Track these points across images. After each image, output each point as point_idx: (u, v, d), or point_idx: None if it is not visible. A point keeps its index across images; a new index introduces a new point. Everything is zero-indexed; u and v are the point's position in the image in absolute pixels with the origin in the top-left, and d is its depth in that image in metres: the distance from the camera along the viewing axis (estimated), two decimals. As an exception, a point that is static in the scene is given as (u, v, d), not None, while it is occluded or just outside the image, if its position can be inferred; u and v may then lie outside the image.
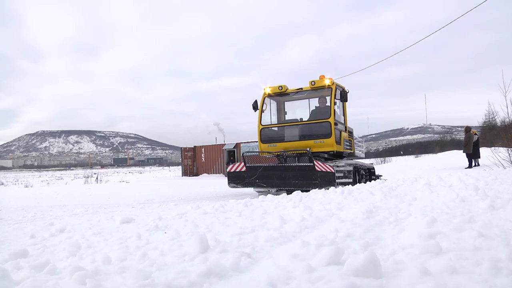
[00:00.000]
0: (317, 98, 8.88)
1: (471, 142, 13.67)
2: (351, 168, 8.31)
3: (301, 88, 9.03)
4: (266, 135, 8.93)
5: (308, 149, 8.00)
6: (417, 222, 2.06)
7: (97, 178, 20.90)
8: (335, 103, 8.56)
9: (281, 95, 9.14)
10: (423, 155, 40.42)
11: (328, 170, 7.32)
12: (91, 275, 1.22)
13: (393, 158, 38.97)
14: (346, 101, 9.01)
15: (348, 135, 9.64)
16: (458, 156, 15.90)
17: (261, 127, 8.95)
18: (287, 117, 9.74)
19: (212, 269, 1.25)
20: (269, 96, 9.17)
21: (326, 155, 8.73)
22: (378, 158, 38.70)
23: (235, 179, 8.25)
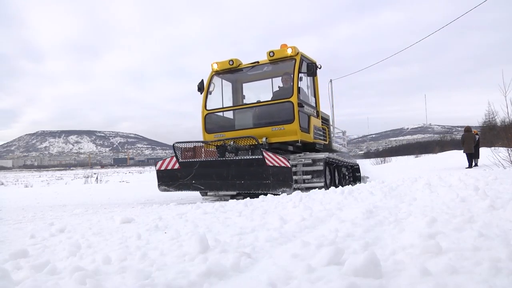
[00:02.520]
0: (281, 77, 7.15)
1: (472, 142, 13.67)
2: (321, 165, 6.37)
3: (258, 62, 7.20)
4: (212, 122, 7.07)
5: (253, 137, 6.02)
6: (417, 222, 2.06)
7: (97, 178, 20.92)
8: (301, 79, 6.77)
9: (233, 72, 7.31)
10: (423, 155, 40.43)
11: (283, 165, 5.52)
12: (91, 275, 1.22)
13: (393, 158, 38.98)
14: (315, 75, 7.15)
15: (322, 122, 7.89)
16: (458, 156, 15.91)
17: (206, 112, 7.09)
18: (246, 101, 7.76)
19: (212, 269, 1.25)
20: (218, 74, 7.30)
21: (291, 148, 7.02)
22: (378, 158, 38.70)
23: (166, 180, 6.39)
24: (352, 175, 9.10)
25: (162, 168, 6.46)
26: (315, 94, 7.66)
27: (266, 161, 5.65)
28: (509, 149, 10.55)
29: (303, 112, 6.74)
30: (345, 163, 8.32)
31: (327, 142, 7.98)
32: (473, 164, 13.88)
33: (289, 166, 5.58)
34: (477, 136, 14.29)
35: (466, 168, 13.17)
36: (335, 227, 2.11)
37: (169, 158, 6.48)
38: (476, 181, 4.64)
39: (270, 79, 7.83)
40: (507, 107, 9.57)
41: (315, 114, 7.44)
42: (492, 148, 11.74)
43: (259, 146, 5.93)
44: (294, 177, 6.20)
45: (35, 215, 4.70)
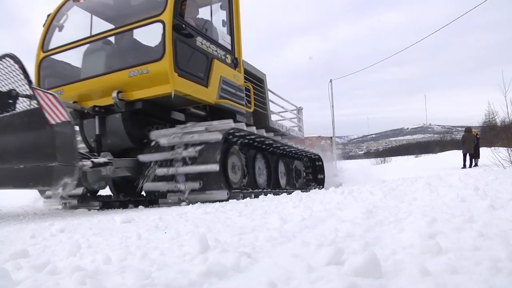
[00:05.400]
0: None
1: (472, 143, 13.70)
2: (214, 148, 3.88)
3: None
4: (51, 71, 4.81)
5: (115, 95, 4.05)
6: (417, 222, 2.06)
7: (97, 178, 20.86)
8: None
9: None
10: (423, 155, 40.44)
11: (63, 119, 2.96)
12: (91, 275, 1.22)
13: (393, 158, 38.98)
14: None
15: (250, 81, 5.63)
16: (458, 156, 15.91)
17: (42, 55, 4.78)
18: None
19: (212, 269, 1.25)
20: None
21: (195, 112, 4.79)
22: (378, 158, 38.71)
23: None
24: (312, 174, 6.81)
25: None
26: (233, 33, 5.22)
27: (46, 115, 2.92)
28: (509, 149, 10.56)
29: (191, 46, 4.32)
30: (294, 152, 5.75)
31: (251, 109, 5.54)
32: (473, 164, 13.90)
33: (68, 119, 3.01)
34: (477, 136, 14.31)
35: (461, 168, 13.19)
36: (335, 227, 2.12)
37: None
38: (476, 181, 4.64)
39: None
40: (507, 107, 9.59)
41: (228, 60, 5.03)
42: (492, 148, 11.76)
43: (116, 103, 4.02)
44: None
45: (36, 215, 4.70)
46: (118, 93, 4.23)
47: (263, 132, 5.09)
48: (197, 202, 4.05)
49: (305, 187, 6.56)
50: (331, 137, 16.79)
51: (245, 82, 5.57)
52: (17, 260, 1.65)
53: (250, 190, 4.87)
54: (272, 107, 7.26)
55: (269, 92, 6.96)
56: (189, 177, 4.10)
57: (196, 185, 4.08)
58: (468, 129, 14.18)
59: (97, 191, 5.40)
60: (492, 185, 4.14)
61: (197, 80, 4.50)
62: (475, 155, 13.73)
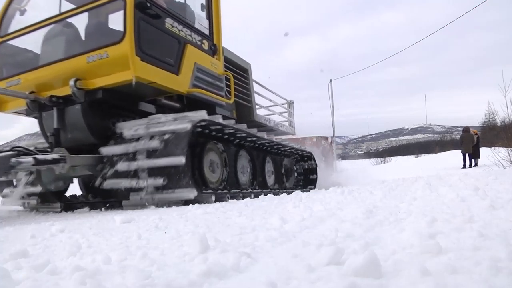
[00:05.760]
0: None
1: (470, 143, 13.71)
2: (179, 143, 3.49)
3: None
4: (10, 59, 4.42)
5: (72, 83, 3.67)
6: (417, 222, 2.06)
7: (97, 178, 20.84)
8: None
9: None
10: (423, 155, 40.45)
11: None
12: (91, 275, 1.22)
13: (393, 158, 38.98)
14: None
15: (231, 70, 5.24)
16: (458, 156, 15.91)
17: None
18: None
19: (212, 269, 1.25)
20: None
21: (166, 102, 4.41)
22: (378, 158, 38.72)
23: None
24: (303, 174, 6.30)
25: None
26: (212, 17, 4.76)
27: None
28: (509, 149, 10.57)
29: (158, 29, 3.88)
30: (282, 149, 5.36)
31: (230, 101, 5.10)
32: (473, 164, 13.90)
33: None
34: (476, 136, 14.32)
35: (461, 168, 13.20)
36: (335, 227, 2.12)
37: None
38: (476, 181, 4.64)
39: None
40: (507, 107, 9.60)
41: (205, 47, 4.55)
42: (492, 148, 11.77)
43: (73, 92, 3.59)
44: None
45: (36, 214, 4.70)
46: (76, 81, 3.79)
47: (244, 127, 4.65)
48: (163, 204, 3.65)
49: (296, 187, 6.09)
50: (330, 137, 16.80)
51: (225, 71, 5.08)
52: (17, 260, 1.65)
53: (226, 190, 4.46)
54: (260, 100, 6.72)
55: (256, 84, 6.34)
56: (152, 172, 3.63)
57: (159, 181, 3.61)
58: (466, 129, 14.20)
59: (64, 191, 5.01)
60: (492, 185, 4.14)
61: (165, 67, 4.03)
62: (474, 155, 13.75)
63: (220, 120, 4.19)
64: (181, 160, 3.49)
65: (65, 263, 1.62)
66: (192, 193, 3.72)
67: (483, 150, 13.77)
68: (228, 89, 5.11)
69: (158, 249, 1.75)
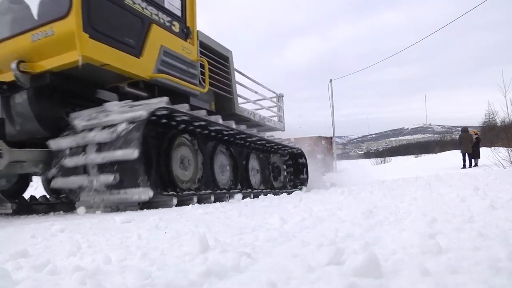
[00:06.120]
0: None
1: (469, 142, 13.71)
2: (132, 136, 3.06)
3: None
4: None
5: (14, 66, 3.27)
6: (417, 222, 2.06)
7: (97, 178, 20.84)
8: None
9: None
10: (423, 155, 40.44)
11: None
12: (91, 275, 1.22)
13: (393, 158, 38.98)
14: None
15: (207, 57, 4.79)
16: (458, 156, 15.92)
17: None
18: None
19: (212, 269, 1.25)
20: None
21: (129, 88, 3.93)
22: (378, 158, 38.73)
23: None
24: (293, 172, 5.83)
25: None
26: (185, 1, 4.38)
27: None
28: (509, 149, 10.57)
29: (116, 4, 3.48)
30: (268, 146, 4.92)
31: (204, 90, 4.59)
32: (473, 164, 13.90)
33: None
34: (476, 136, 14.32)
35: (461, 168, 13.20)
36: (335, 227, 2.12)
37: None
38: (476, 181, 4.65)
39: None
40: (507, 107, 9.60)
41: (176, 29, 4.19)
42: (492, 148, 11.77)
43: (17, 77, 3.20)
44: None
45: (36, 214, 4.70)
46: (18, 63, 3.31)
47: (218, 118, 4.11)
48: (117, 207, 3.22)
49: (285, 188, 5.66)
50: (331, 137, 16.78)
51: (200, 57, 4.58)
52: (17, 260, 1.65)
53: (193, 191, 4.03)
54: (246, 93, 6.16)
55: (241, 75, 5.76)
56: (102, 169, 3.18)
57: (109, 178, 3.16)
58: (464, 129, 14.22)
59: (21, 190, 4.61)
60: (492, 185, 4.14)
61: (122, 47, 3.56)
62: (474, 155, 13.75)
63: (185, 109, 3.68)
64: (133, 153, 3.03)
65: (65, 263, 1.62)
66: (146, 194, 3.22)
67: (483, 150, 13.78)
68: (203, 77, 4.60)
69: (158, 249, 1.75)
